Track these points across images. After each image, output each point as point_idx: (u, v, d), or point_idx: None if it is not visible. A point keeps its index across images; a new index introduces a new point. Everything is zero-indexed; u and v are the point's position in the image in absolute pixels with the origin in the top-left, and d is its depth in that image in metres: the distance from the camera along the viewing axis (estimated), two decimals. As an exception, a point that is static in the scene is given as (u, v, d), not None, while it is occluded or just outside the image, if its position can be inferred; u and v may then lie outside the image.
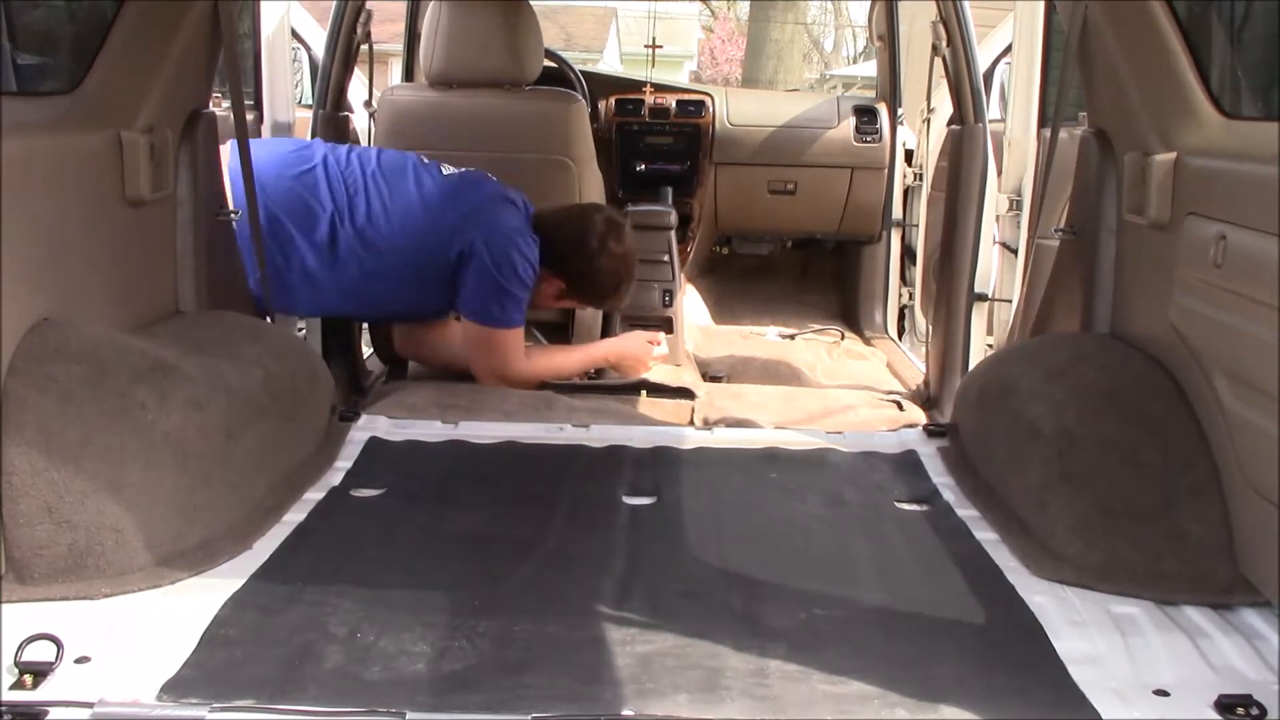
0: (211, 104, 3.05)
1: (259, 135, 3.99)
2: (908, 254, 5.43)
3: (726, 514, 2.61)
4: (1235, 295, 2.12)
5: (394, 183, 3.54)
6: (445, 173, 3.66)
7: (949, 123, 4.00)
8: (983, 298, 3.68)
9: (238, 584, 2.16)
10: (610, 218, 3.76)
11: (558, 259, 3.68)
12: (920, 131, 4.94)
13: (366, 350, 4.27)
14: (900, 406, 3.64)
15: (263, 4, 4.06)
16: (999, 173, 3.82)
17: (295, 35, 5.14)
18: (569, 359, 3.88)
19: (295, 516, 2.51)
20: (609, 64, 22.44)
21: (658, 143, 5.38)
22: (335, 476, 2.77)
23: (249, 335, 2.84)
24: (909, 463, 2.98)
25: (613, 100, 5.38)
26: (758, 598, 2.16)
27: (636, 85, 5.48)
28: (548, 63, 4.34)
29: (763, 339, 5.00)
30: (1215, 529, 2.20)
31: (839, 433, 3.22)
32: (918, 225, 5.06)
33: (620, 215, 3.83)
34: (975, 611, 2.14)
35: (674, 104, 5.38)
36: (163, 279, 2.85)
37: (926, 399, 3.80)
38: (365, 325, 4.21)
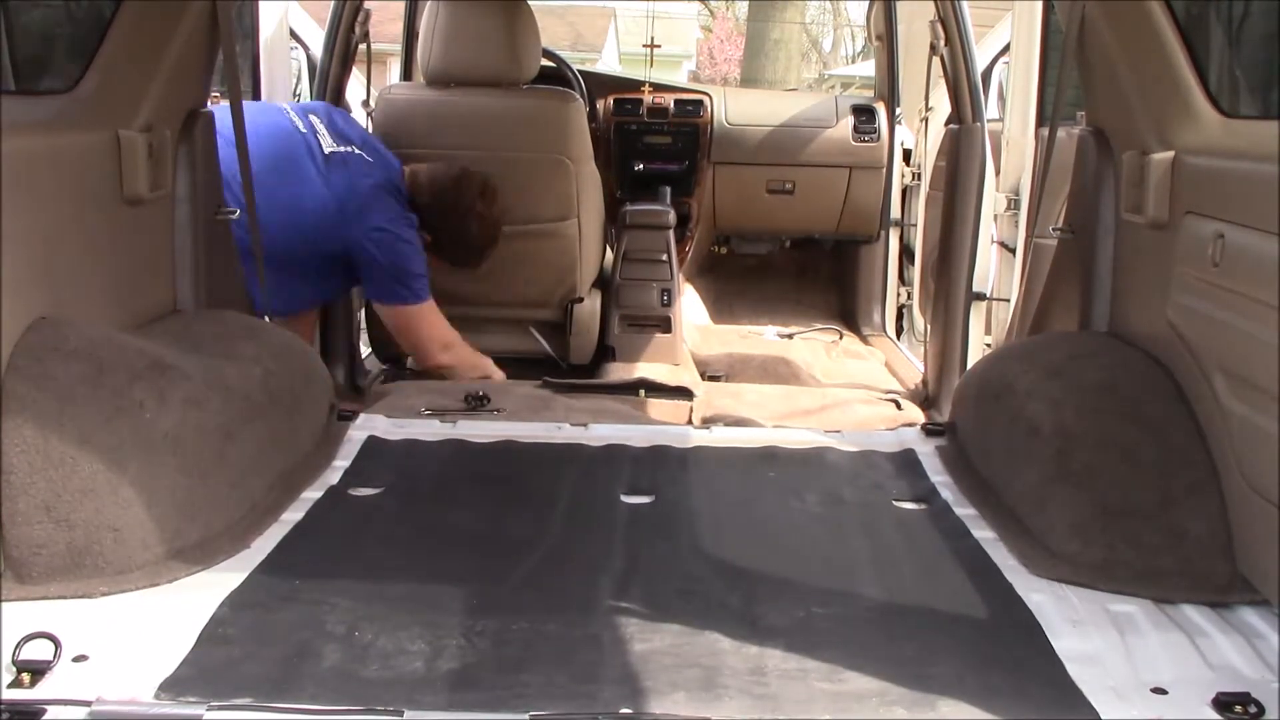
0: (210, 103, 3.05)
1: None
2: (906, 253, 5.43)
3: (725, 513, 2.60)
4: (1234, 294, 2.12)
5: (273, 187, 3.43)
6: (327, 152, 3.68)
7: (947, 122, 4.00)
8: (981, 297, 3.68)
9: (236, 583, 2.16)
10: (486, 182, 3.89)
11: (431, 218, 3.84)
12: (918, 131, 4.94)
13: (365, 350, 4.27)
14: (898, 405, 3.64)
15: (262, 4, 4.06)
16: (997, 172, 3.82)
17: (294, 35, 5.14)
18: (479, 362, 3.97)
19: (293, 515, 2.51)
20: (607, 63, 22.42)
21: (656, 142, 5.37)
22: (333, 475, 2.77)
23: (247, 334, 2.84)
24: (907, 461, 2.98)
25: (611, 100, 5.38)
26: (756, 596, 2.16)
27: (635, 85, 5.47)
28: (546, 62, 4.34)
29: (761, 338, 5.00)
30: (1213, 527, 2.20)
31: (837, 431, 3.22)
32: (916, 224, 5.06)
33: (492, 181, 3.93)
34: (973, 610, 2.14)
35: (672, 103, 5.37)
36: (161, 278, 2.85)
37: (925, 398, 3.80)
38: (364, 325, 4.21)
